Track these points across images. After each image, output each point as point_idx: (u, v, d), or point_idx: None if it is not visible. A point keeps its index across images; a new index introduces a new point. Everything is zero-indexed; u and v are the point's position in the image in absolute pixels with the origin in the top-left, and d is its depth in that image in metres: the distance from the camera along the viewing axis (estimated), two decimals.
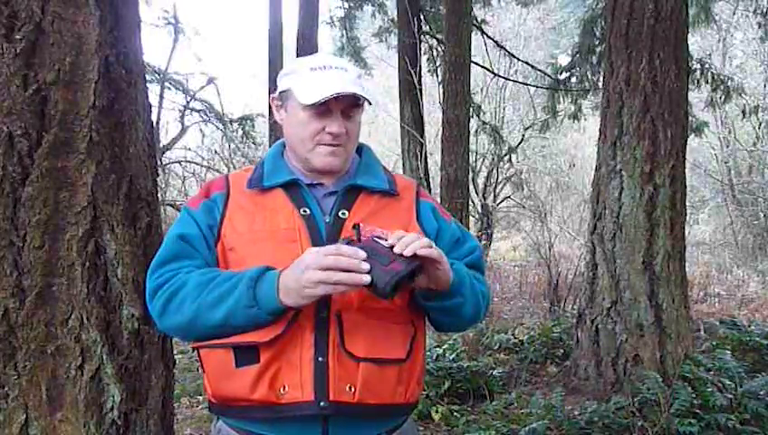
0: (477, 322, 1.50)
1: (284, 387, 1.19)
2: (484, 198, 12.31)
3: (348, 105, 1.31)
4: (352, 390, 1.20)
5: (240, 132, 10.82)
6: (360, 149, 1.45)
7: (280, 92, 1.37)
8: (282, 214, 1.29)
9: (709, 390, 3.33)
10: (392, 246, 1.14)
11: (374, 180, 1.37)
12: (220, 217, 1.31)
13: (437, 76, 9.48)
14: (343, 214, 1.31)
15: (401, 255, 1.13)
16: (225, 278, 1.22)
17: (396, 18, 9.62)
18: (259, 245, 1.26)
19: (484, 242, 10.70)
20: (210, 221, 1.31)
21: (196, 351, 1.30)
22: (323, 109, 1.29)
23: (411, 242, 1.15)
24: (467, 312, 1.33)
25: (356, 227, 1.26)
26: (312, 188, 1.35)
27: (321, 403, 1.18)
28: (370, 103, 1.35)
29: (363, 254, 1.12)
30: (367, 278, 1.10)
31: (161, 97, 9.55)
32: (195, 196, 1.39)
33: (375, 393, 1.23)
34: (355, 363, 1.21)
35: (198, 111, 10.60)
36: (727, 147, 14.45)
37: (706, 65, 8.46)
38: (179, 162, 10.81)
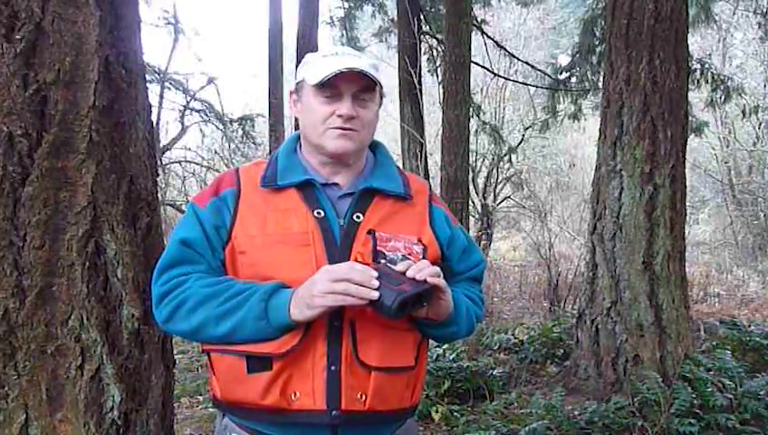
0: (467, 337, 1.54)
1: (296, 393, 1.19)
2: (484, 198, 12.30)
3: (360, 89, 1.28)
4: (363, 398, 1.20)
5: (240, 132, 10.81)
6: (375, 148, 1.43)
7: (295, 85, 1.36)
8: (295, 216, 1.26)
9: (709, 390, 3.33)
10: (402, 272, 1.16)
11: (390, 183, 1.35)
12: (231, 217, 1.28)
13: (437, 76, 9.46)
14: (358, 217, 1.28)
15: (412, 279, 1.14)
16: (237, 291, 1.20)
17: (396, 18, 9.61)
18: (271, 249, 1.24)
19: (484, 242, 10.70)
20: (217, 222, 1.27)
21: (206, 353, 1.29)
22: (334, 92, 1.27)
23: (424, 268, 1.17)
24: (459, 335, 1.37)
25: (371, 233, 1.26)
26: (327, 188, 1.32)
27: (333, 412, 1.18)
28: (381, 86, 1.32)
29: (375, 272, 1.13)
30: (375, 294, 1.10)
31: (161, 97, 9.54)
32: (204, 191, 1.35)
33: (385, 400, 1.23)
34: (367, 373, 1.21)
35: (198, 111, 10.58)
36: (727, 147, 14.45)
37: (706, 65, 8.46)
38: (179, 162, 10.80)
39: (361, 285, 1.11)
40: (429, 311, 1.22)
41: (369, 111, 1.31)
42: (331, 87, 1.27)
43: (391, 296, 1.10)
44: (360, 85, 1.28)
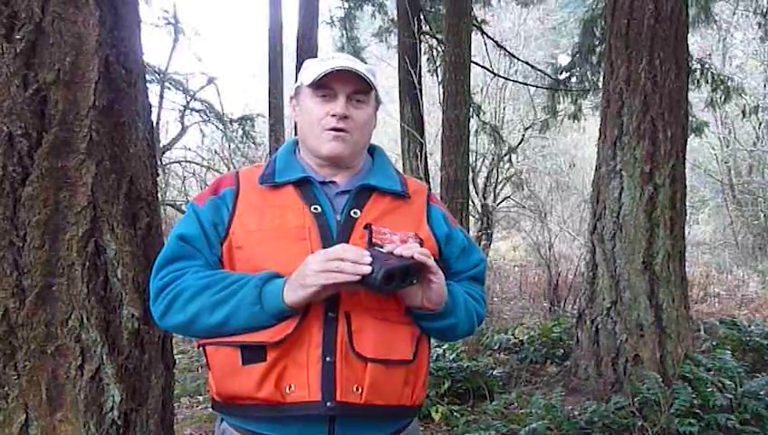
0: (470, 335, 1.53)
1: (290, 386, 1.19)
2: (484, 198, 12.29)
3: (354, 90, 1.31)
4: (359, 390, 1.20)
5: (240, 132, 10.81)
6: (373, 151, 1.45)
7: (294, 89, 1.39)
8: (292, 211, 1.28)
9: (709, 390, 3.33)
10: (390, 252, 1.17)
11: (387, 181, 1.37)
12: (229, 214, 1.30)
13: (437, 76, 9.46)
14: (355, 213, 1.30)
15: (400, 256, 1.15)
16: (232, 280, 1.21)
17: (396, 18, 9.61)
18: (268, 244, 1.25)
19: (484, 242, 10.69)
20: (216, 219, 1.29)
21: (202, 348, 1.29)
22: (329, 92, 1.31)
23: (411, 247, 1.18)
24: (461, 331, 1.36)
25: (368, 227, 1.27)
26: (324, 186, 1.34)
27: (328, 404, 1.18)
28: (376, 90, 1.35)
29: (367, 253, 1.13)
30: (367, 268, 1.11)
31: (161, 97, 9.54)
32: (203, 192, 1.37)
33: (382, 395, 1.22)
34: (363, 364, 1.20)
35: (198, 111, 10.58)
36: (727, 147, 14.46)
37: (706, 65, 8.46)
38: (179, 162, 10.80)
39: (354, 263, 1.12)
40: (423, 298, 1.22)
41: (363, 112, 1.33)
42: (325, 87, 1.31)
43: (377, 268, 1.11)
44: (355, 86, 1.31)
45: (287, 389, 1.19)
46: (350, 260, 1.12)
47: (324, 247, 1.23)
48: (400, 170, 1.48)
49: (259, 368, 1.19)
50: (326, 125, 1.31)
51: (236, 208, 1.30)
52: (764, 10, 8.60)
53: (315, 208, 1.29)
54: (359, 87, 1.31)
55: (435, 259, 1.28)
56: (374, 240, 1.25)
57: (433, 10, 9.81)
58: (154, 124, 1.93)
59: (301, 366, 1.19)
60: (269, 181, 1.33)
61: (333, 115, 1.30)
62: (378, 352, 1.22)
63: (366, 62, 1.47)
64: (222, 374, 1.25)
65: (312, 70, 1.31)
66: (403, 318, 1.27)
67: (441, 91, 6.41)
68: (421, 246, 1.29)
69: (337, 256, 1.13)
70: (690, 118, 6.36)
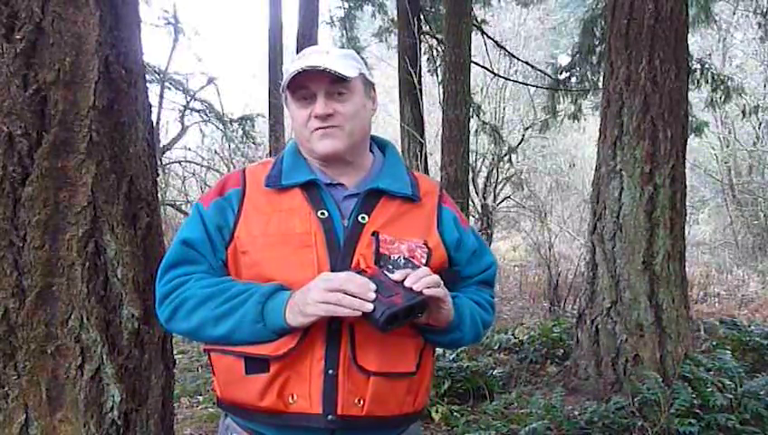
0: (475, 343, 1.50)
1: (293, 396, 1.18)
2: (484, 198, 12.28)
3: (329, 83, 1.26)
4: (361, 403, 1.19)
5: (240, 132, 10.81)
6: (385, 148, 1.41)
7: (282, 95, 1.37)
8: (298, 216, 1.25)
9: (709, 390, 3.33)
10: (398, 281, 1.14)
11: (397, 184, 1.32)
12: (234, 217, 1.27)
13: (437, 76, 9.46)
14: (363, 218, 1.26)
15: (410, 289, 1.13)
16: (235, 292, 1.20)
17: (396, 18, 9.61)
18: (273, 249, 1.23)
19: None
20: (221, 222, 1.27)
21: (207, 353, 1.29)
22: (307, 93, 1.27)
23: (422, 277, 1.15)
24: (465, 342, 1.35)
25: (375, 235, 1.24)
26: (332, 188, 1.31)
27: (329, 417, 1.17)
28: (346, 79, 1.26)
29: (373, 286, 1.11)
30: (369, 306, 1.09)
31: (161, 97, 9.54)
32: (209, 192, 1.34)
33: (383, 406, 1.21)
34: (365, 378, 1.19)
35: (198, 111, 10.59)
36: (727, 147, 14.46)
37: (706, 65, 8.45)
38: (179, 162, 10.80)
39: (356, 297, 1.09)
40: (429, 317, 1.20)
41: (348, 103, 1.28)
42: (302, 89, 1.27)
43: (381, 309, 1.09)
44: (329, 81, 1.26)
45: (290, 398, 1.18)
46: (352, 294, 1.09)
47: (330, 255, 1.21)
48: None
49: (262, 378, 1.18)
50: (311, 127, 1.28)
51: (242, 211, 1.28)
52: (764, 10, 8.60)
53: (322, 213, 1.25)
54: (334, 80, 1.25)
55: (443, 266, 1.27)
56: (381, 250, 1.23)
57: (433, 10, 9.81)
58: (154, 124, 1.93)
59: (303, 378, 1.18)
60: (275, 184, 1.29)
61: (316, 116, 1.27)
62: (381, 365, 1.20)
63: (366, 61, 1.44)
64: (225, 381, 1.25)
65: (287, 74, 1.28)
66: (407, 330, 1.24)
67: (441, 91, 6.41)
68: (429, 255, 1.27)
69: (340, 288, 1.10)
70: (690, 118, 6.35)
